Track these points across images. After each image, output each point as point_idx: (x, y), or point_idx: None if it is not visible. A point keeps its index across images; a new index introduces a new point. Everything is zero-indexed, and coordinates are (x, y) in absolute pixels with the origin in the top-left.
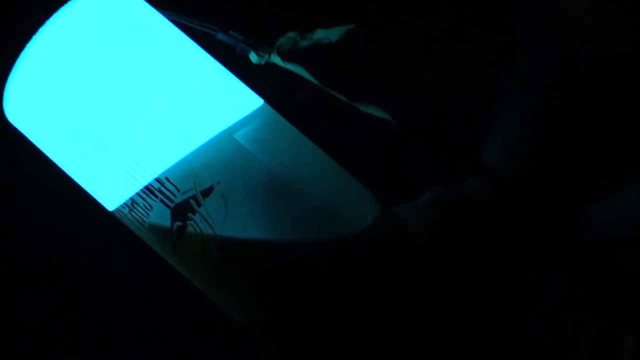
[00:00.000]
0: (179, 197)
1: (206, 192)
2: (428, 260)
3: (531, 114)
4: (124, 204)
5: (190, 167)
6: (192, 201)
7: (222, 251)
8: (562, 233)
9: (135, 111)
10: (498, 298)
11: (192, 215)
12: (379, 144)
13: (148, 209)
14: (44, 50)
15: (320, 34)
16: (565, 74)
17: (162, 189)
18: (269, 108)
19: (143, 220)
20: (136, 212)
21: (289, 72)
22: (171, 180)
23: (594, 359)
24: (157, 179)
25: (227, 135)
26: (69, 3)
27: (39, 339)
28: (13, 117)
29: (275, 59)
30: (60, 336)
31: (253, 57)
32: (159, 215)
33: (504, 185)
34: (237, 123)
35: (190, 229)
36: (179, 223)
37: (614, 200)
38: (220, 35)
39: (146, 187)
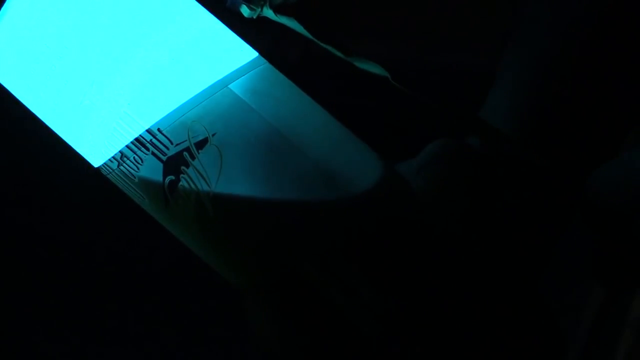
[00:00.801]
0: (172, 149)
1: (200, 144)
2: (437, 219)
3: (535, 68)
4: (113, 157)
5: (183, 118)
6: (185, 154)
7: (216, 207)
8: (567, 194)
9: (126, 60)
10: (511, 259)
11: (185, 169)
12: (375, 102)
13: (138, 163)
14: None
15: None
16: (573, 26)
17: (154, 140)
18: (263, 60)
19: (133, 174)
20: (125, 166)
21: (282, 26)
22: (164, 132)
23: (600, 324)
24: (148, 131)
25: (221, 85)
26: None
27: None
28: None
29: (268, 13)
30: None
31: (245, 11)
32: (150, 169)
33: (505, 143)
34: (231, 74)
35: (183, 183)
36: (172, 177)
37: (622, 161)
38: None
39: (137, 140)
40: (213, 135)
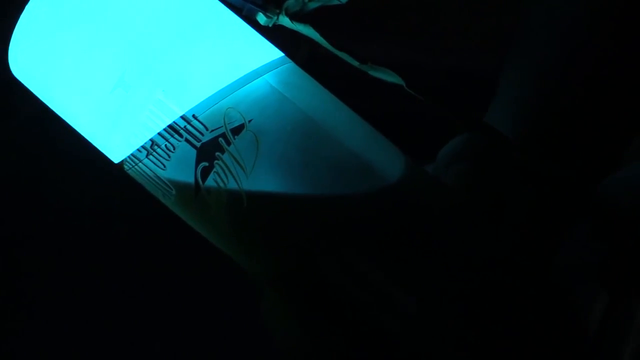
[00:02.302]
0: (207, 135)
1: (237, 130)
2: (468, 215)
3: (537, 77)
4: (142, 147)
5: (219, 104)
6: (221, 139)
7: (251, 194)
8: (575, 199)
9: (161, 47)
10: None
11: (220, 155)
12: (389, 109)
13: (170, 151)
14: None
15: None
16: (574, 35)
17: (189, 127)
18: (289, 60)
19: (162, 163)
20: (155, 155)
21: (298, 34)
22: (199, 118)
23: (604, 330)
24: (183, 117)
25: (255, 75)
26: None
27: None
28: (20, 68)
29: (284, 20)
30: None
31: (261, 19)
32: (182, 157)
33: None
34: (262, 67)
35: (217, 169)
36: (205, 163)
37: (633, 168)
38: None
39: (170, 126)
40: (249, 121)
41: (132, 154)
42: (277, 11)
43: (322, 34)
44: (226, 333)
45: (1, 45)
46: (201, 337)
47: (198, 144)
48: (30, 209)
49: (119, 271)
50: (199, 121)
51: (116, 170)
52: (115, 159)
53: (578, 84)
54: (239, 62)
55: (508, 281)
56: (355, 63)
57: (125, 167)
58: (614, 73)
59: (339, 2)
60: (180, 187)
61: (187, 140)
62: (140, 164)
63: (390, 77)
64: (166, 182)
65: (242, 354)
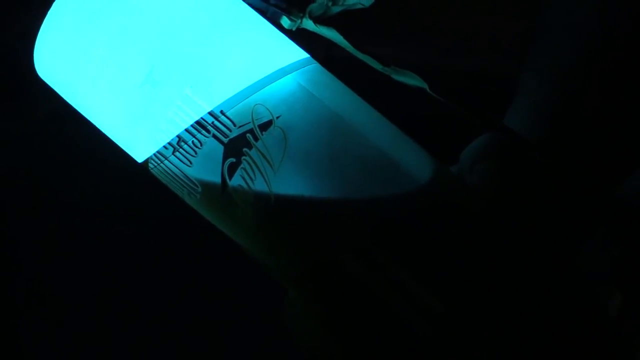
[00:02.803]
0: (235, 131)
1: (265, 126)
2: (494, 214)
3: (560, 70)
4: (168, 144)
5: (247, 100)
6: (248, 135)
7: (279, 190)
8: (593, 200)
9: (190, 43)
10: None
11: (247, 151)
12: (408, 111)
13: (197, 147)
14: None
15: (352, 0)
16: (593, 37)
17: (216, 123)
18: (314, 60)
19: (189, 160)
20: (182, 151)
21: (315, 39)
22: (227, 114)
23: (618, 332)
24: (211, 113)
25: (282, 73)
26: None
27: None
28: (45, 67)
29: (308, 24)
30: None
31: (285, 22)
32: (209, 153)
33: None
34: (289, 66)
35: (244, 165)
36: (232, 159)
37: None
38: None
39: (197, 122)
40: (277, 117)
41: (157, 152)
42: (301, 15)
43: (346, 37)
44: (233, 334)
45: (15, 42)
46: (207, 339)
47: (225, 140)
48: (43, 207)
49: (131, 272)
50: (226, 117)
51: (131, 171)
52: (139, 158)
53: (597, 86)
54: (267, 59)
55: (537, 281)
56: (378, 66)
57: (150, 165)
58: (633, 75)
59: (362, 6)
60: (206, 184)
61: (214, 136)
62: (165, 162)
63: (412, 79)
64: (192, 179)
65: (248, 355)
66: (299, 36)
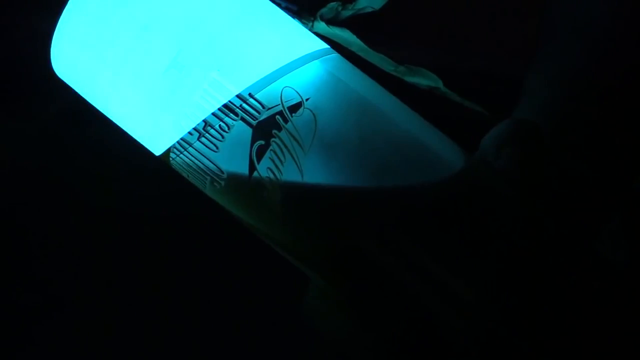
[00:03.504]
0: (264, 113)
1: (294, 108)
2: (524, 198)
3: (566, 71)
4: (194, 129)
5: (276, 82)
6: (278, 117)
7: (310, 173)
8: (605, 196)
9: (217, 27)
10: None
11: (277, 132)
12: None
13: (224, 131)
14: None
15: (363, 3)
16: (600, 40)
17: (244, 105)
18: (335, 52)
19: (215, 145)
20: (208, 136)
21: (333, 43)
22: (255, 97)
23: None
24: (239, 96)
25: (310, 58)
26: None
27: None
28: (63, 60)
29: (319, 27)
30: None
31: None
32: (237, 137)
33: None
34: (314, 53)
35: (274, 147)
36: (261, 142)
37: None
38: None
39: (225, 106)
40: (307, 99)
41: (181, 139)
42: (312, 18)
43: (359, 37)
44: (243, 336)
45: (27, 42)
46: (216, 341)
47: (254, 123)
48: (58, 206)
49: (148, 271)
50: (255, 99)
51: (144, 170)
52: (159, 150)
53: (603, 88)
54: (293, 45)
55: (566, 270)
56: (391, 67)
57: (172, 155)
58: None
59: (372, 9)
60: (233, 170)
61: (242, 119)
62: (189, 149)
63: (426, 78)
64: (217, 166)
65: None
66: None
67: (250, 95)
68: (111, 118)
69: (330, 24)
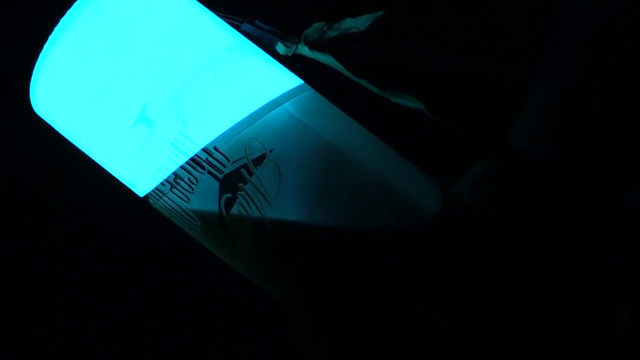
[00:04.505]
0: (229, 167)
1: (258, 160)
2: (496, 233)
3: (569, 82)
4: (165, 181)
5: (240, 135)
6: (243, 170)
7: (275, 223)
8: (600, 211)
9: (179, 82)
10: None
11: (242, 186)
12: (410, 134)
13: (193, 183)
14: (73, 31)
15: (348, 23)
16: (602, 48)
17: (210, 159)
18: (308, 87)
19: (186, 196)
20: (179, 188)
21: (317, 63)
22: (220, 150)
23: (629, 339)
24: (204, 149)
25: (275, 105)
26: None
27: None
28: (41, 104)
29: (303, 50)
30: None
31: (280, 48)
32: (205, 189)
33: (535, 166)
34: (282, 96)
35: (240, 200)
36: (228, 195)
37: None
38: (245, 27)
39: (192, 159)
40: (271, 151)
41: (156, 188)
42: (297, 40)
43: (342, 62)
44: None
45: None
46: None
47: (220, 176)
48: (57, 203)
49: (146, 277)
50: (220, 153)
51: None
52: (140, 192)
53: (607, 98)
54: (259, 92)
55: (551, 309)
56: (375, 90)
57: (150, 200)
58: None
59: (357, 30)
60: (205, 219)
61: (209, 173)
62: (164, 198)
63: (410, 102)
64: (191, 214)
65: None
66: (295, 61)
67: (216, 148)
68: (94, 159)
69: (314, 48)
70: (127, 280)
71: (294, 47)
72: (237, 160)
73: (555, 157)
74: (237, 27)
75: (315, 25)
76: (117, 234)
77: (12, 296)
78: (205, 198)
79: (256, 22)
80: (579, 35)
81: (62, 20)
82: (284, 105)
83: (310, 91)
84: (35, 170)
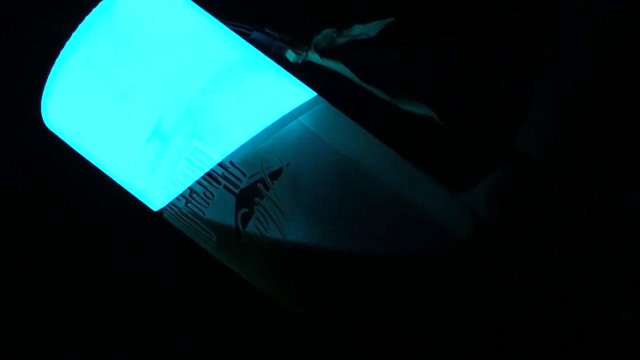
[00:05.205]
0: (245, 181)
1: (275, 175)
2: (510, 247)
3: (574, 86)
4: (181, 195)
5: (255, 150)
6: (259, 185)
7: (293, 239)
8: (603, 215)
9: (194, 96)
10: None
11: (259, 200)
12: (420, 141)
13: (209, 198)
14: (85, 45)
15: (357, 30)
16: (607, 57)
17: (226, 174)
18: (322, 99)
19: (202, 211)
20: (194, 203)
21: (328, 70)
22: (236, 164)
23: (631, 344)
24: (220, 164)
25: (290, 118)
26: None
27: None
28: (53, 120)
29: (313, 57)
30: None
31: (290, 56)
32: (221, 204)
33: (543, 171)
34: (296, 109)
35: (257, 215)
36: (245, 209)
37: None
38: (255, 35)
39: (208, 174)
40: (287, 165)
41: (171, 203)
42: (306, 47)
43: (352, 70)
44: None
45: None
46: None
47: (237, 191)
48: (57, 203)
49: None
50: (236, 167)
51: None
52: (154, 207)
53: (612, 102)
54: (274, 105)
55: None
56: (386, 97)
57: (165, 215)
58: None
59: (367, 36)
60: (221, 234)
61: (225, 187)
62: (179, 212)
63: (421, 109)
64: (206, 229)
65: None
66: (305, 69)
67: (232, 163)
68: (107, 174)
69: (324, 55)
70: (127, 280)
71: (304, 54)
72: (253, 175)
73: (559, 159)
74: (246, 36)
75: (325, 31)
76: (119, 236)
77: (12, 296)
78: (221, 212)
79: (266, 29)
80: (584, 37)
81: (74, 33)
82: (299, 118)
83: (324, 103)
84: (42, 172)
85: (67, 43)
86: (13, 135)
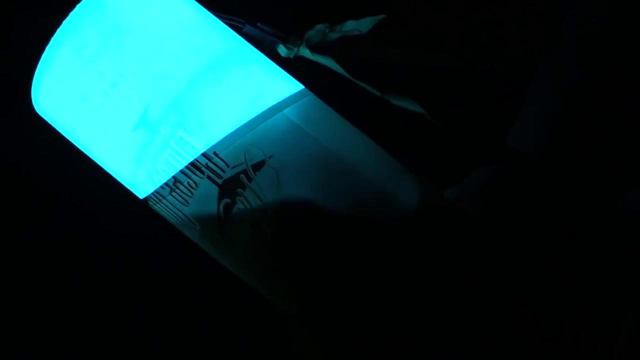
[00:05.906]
0: (228, 172)
1: (257, 167)
2: (496, 239)
3: (568, 86)
4: (165, 184)
5: (240, 141)
6: (242, 176)
7: (274, 227)
8: (597, 215)
9: (180, 86)
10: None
11: (241, 191)
12: (410, 137)
13: (192, 188)
14: (75, 34)
15: (350, 26)
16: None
17: (210, 164)
18: (309, 92)
19: (186, 200)
20: (178, 192)
21: (319, 65)
22: (220, 155)
23: (630, 349)
24: (204, 154)
25: (275, 111)
26: None
27: None
28: (42, 106)
29: (305, 52)
30: None
31: (282, 50)
32: (205, 193)
33: (534, 169)
34: (282, 101)
35: (239, 205)
36: (227, 200)
37: None
38: (247, 29)
39: (192, 164)
40: (270, 157)
41: (155, 191)
42: (298, 42)
43: (342, 65)
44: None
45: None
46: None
47: (220, 181)
48: (57, 203)
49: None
50: (220, 158)
51: None
52: (140, 194)
53: (606, 102)
54: (260, 97)
55: (533, 299)
56: (377, 93)
57: (150, 203)
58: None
59: (359, 32)
60: (204, 223)
61: (209, 177)
62: (164, 201)
63: (411, 106)
64: (190, 218)
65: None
66: (297, 64)
67: (215, 154)
68: (95, 160)
69: (315, 50)
70: (127, 280)
71: (295, 49)
72: (236, 166)
73: (553, 158)
74: (238, 29)
75: (318, 27)
76: (116, 234)
77: (11, 296)
78: (204, 202)
79: (258, 24)
80: (578, 37)
81: (63, 23)
82: (284, 111)
83: (311, 97)
84: (36, 169)
85: (57, 31)
86: (13, 135)
